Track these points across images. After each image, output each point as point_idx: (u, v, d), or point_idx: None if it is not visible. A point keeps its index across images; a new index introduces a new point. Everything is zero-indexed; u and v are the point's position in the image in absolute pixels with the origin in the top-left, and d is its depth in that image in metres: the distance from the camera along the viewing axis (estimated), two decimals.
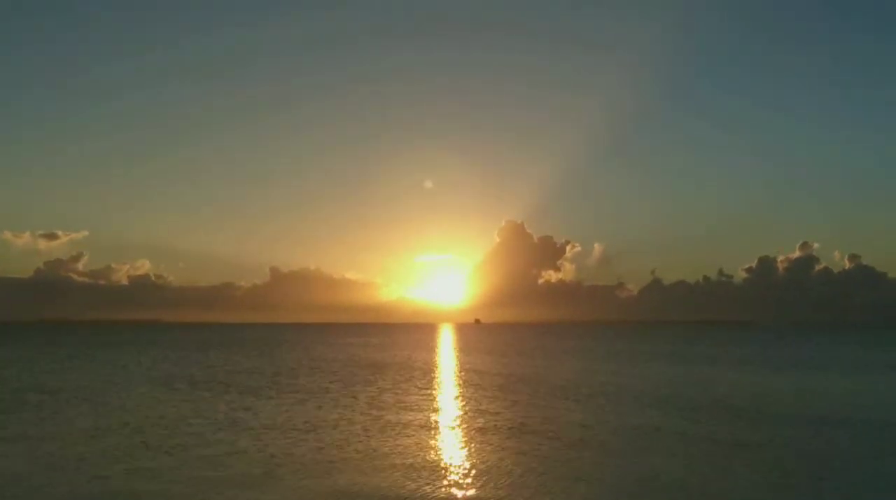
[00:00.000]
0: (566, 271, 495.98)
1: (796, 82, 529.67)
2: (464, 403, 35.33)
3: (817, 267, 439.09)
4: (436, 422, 28.61)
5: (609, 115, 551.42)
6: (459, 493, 17.35)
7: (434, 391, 40.75)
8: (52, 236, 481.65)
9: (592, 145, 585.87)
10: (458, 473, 19.40)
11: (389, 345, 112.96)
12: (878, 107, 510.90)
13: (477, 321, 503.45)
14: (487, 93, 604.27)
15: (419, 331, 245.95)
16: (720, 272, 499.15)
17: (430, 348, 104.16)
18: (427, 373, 54.51)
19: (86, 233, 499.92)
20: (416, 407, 33.18)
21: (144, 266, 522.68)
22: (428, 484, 18.07)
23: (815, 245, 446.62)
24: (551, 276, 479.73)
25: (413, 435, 25.26)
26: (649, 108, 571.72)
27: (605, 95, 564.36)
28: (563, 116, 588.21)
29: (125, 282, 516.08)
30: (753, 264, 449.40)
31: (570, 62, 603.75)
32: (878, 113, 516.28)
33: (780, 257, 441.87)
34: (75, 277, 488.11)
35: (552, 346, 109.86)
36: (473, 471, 19.61)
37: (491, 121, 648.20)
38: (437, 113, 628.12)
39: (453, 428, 27.13)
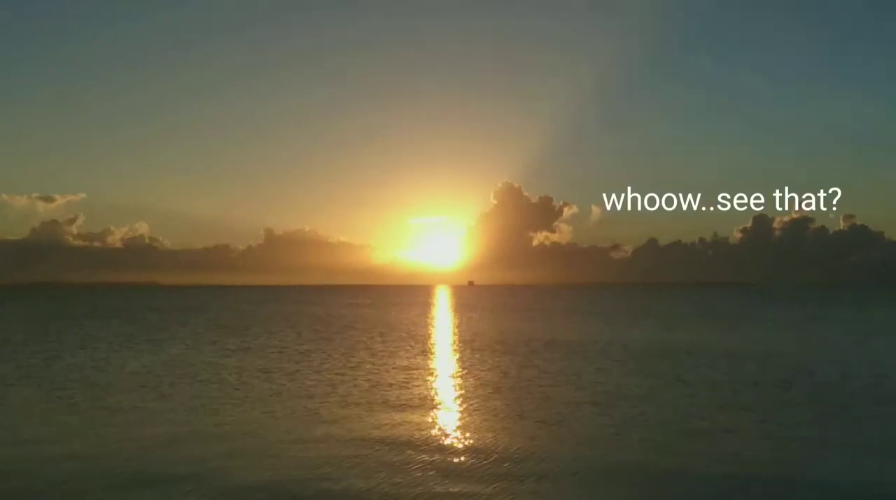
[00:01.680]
0: (562, 233, 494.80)
1: (789, 45, 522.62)
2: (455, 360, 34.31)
3: (812, 227, 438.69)
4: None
5: (605, 76, 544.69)
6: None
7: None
8: (49, 199, 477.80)
9: (588, 107, 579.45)
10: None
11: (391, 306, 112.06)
12: (869, 68, 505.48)
13: (470, 283, 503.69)
14: (483, 54, 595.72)
15: (412, 293, 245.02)
16: (715, 235, 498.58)
17: (427, 308, 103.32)
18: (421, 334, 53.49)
19: (84, 195, 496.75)
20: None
21: (143, 228, 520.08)
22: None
23: (811, 204, 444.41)
24: (547, 238, 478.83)
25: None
26: (645, 70, 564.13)
27: (600, 56, 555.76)
28: (559, 78, 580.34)
29: (119, 244, 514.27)
30: (748, 225, 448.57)
31: (565, 24, 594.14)
32: (870, 74, 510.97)
33: (776, 218, 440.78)
34: (70, 239, 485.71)
35: (535, 306, 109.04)
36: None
37: (486, 83, 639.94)
38: (432, 74, 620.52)
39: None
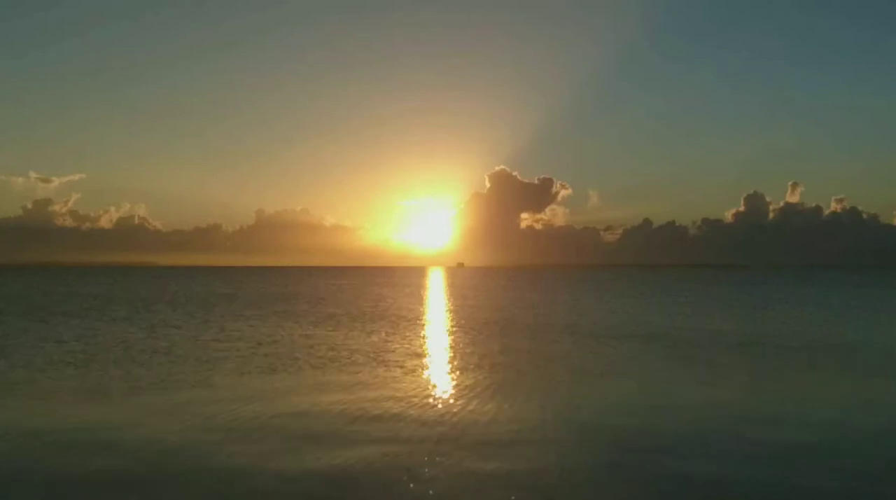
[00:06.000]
0: (556, 215, 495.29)
1: (786, 28, 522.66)
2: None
3: (804, 209, 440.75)
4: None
5: (603, 60, 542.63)
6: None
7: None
8: (47, 180, 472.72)
9: (585, 90, 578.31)
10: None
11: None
12: (864, 53, 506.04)
13: (460, 265, 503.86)
14: (478, 37, 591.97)
15: (399, 276, 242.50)
16: (707, 218, 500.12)
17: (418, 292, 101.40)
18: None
19: (82, 176, 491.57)
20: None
21: (140, 210, 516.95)
22: None
23: (802, 188, 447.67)
24: (538, 220, 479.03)
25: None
26: (640, 52, 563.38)
27: (597, 40, 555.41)
28: (556, 61, 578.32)
29: (111, 225, 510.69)
30: (741, 208, 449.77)
31: (562, 7, 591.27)
32: (865, 59, 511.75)
33: (769, 200, 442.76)
34: (60, 220, 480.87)
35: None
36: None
37: (479, 66, 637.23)
38: (424, 57, 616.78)
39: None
